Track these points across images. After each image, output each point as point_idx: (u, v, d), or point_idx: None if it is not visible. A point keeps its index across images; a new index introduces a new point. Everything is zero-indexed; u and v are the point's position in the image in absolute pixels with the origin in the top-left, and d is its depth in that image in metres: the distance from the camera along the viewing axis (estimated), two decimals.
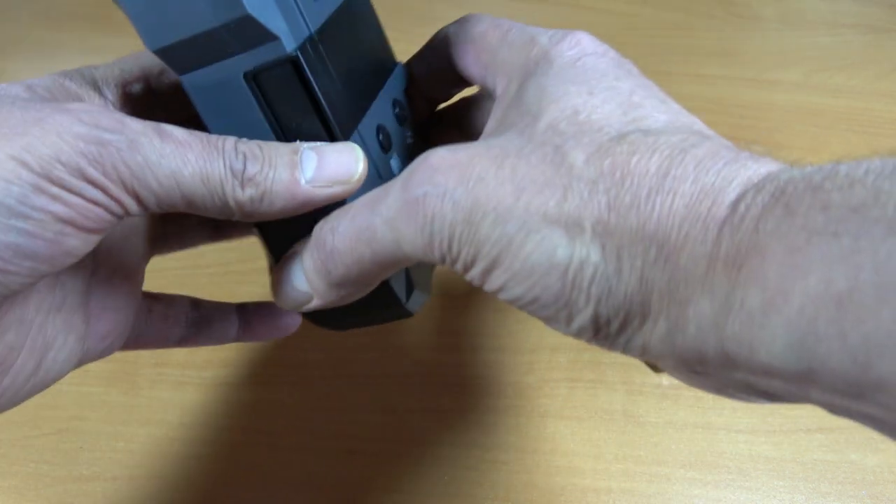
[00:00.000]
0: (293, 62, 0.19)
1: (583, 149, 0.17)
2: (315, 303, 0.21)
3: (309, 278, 0.21)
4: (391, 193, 0.18)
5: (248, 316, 0.27)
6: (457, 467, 0.34)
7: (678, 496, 0.33)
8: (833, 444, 0.34)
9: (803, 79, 0.53)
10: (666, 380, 0.37)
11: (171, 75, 0.23)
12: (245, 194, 0.19)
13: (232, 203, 0.19)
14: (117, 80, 0.22)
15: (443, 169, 0.18)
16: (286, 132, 0.21)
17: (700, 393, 0.36)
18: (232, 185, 0.19)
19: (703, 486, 0.33)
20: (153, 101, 0.23)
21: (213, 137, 0.19)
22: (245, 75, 0.20)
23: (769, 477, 0.34)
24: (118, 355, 0.37)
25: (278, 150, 0.20)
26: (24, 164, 0.16)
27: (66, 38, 0.51)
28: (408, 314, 0.25)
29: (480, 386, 0.36)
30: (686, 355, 0.16)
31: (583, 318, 0.17)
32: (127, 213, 0.18)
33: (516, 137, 0.19)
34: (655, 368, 0.40)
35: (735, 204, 0.15)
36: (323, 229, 0.20)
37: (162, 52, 0.19)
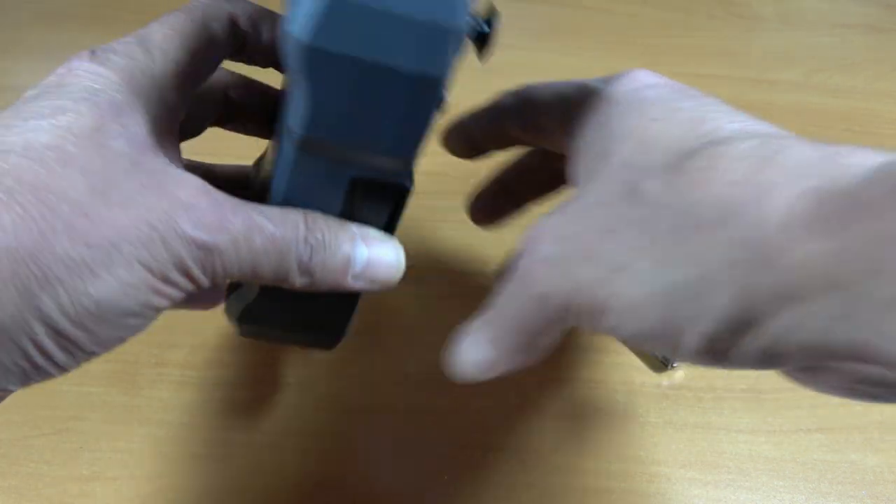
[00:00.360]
0: (404, 191, 0.22)
1: (656, 176, 0.17)
2: (491, 372, 0.22)
3: (485, 350, 0.22)
4: (513, 271, 0.20)
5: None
6: (457, 467, 0.34)
7: (678, 496, 0.33)
8: (833, 444, 0.34)
9: (803, 79, 0.53)
10: (666, 380, 0.37)
11: (213, 58, 0.23)
12: (301, 280, 0.21)
13: (285, 283, 0.21)
14: (176, 84, 0.22)
15: (539, 237, 0.19)
16: (351, 217, 0.22)
17: (700, 393, 0.36)
18: (294, 272, 0.21)
19: (703, 486, 0.33)
20: (200, 92, 0.24)
21: (290, 219, 0.20)
22: (351, 179, 0.21)
23: (769, 477, 0.34)
24: (119, 356, 0.37)
25: (338, 239, 0.21)
26: (149, 269, 0.18)
27: (66, 38, 0.51)
28: (330, 348, 0.27)
29: (480, 386, 0.36)
30: (812, 351, 0.15)
31: (692, 341, 0.16)
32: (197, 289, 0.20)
33: (594, 186, 0.19)
34: (656, 368, 0.40)
35: (849, 197, 0.14)
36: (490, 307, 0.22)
37: (304, 138, 0.19)
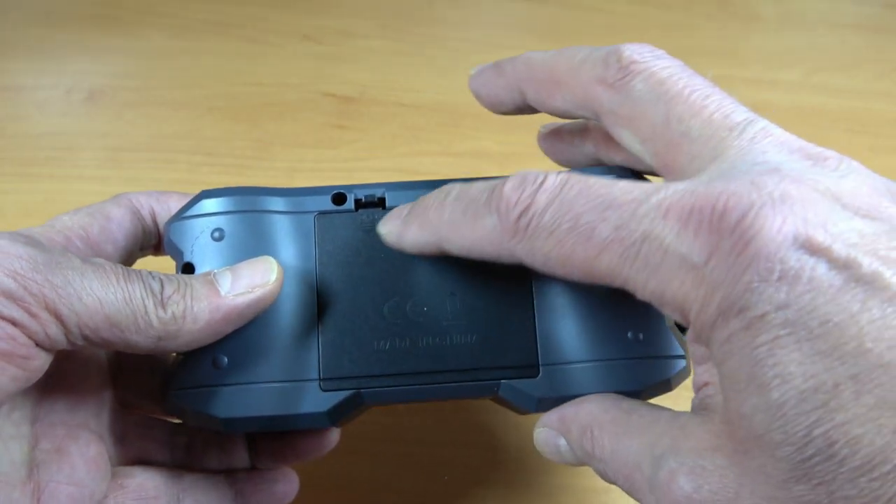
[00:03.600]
0: None
1: None
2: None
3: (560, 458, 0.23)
4: (645, 494, 0.19)
5: (239, 485, 0.26)
6: (457, 467, 0.34)
7: None
8: None
9: (803, 79, 0.53)
10: None
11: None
12: (167, 312, 0.19)
13: (156, 322, 0.19)
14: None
15: None
16: None
17: None
18: (153, 303, 0.19)
19: None
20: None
21: (128, 268, 0.20)
22: None
23: None
24: None
25: (192, 277, 0.21)
26: None
27: (66, 37, 0.51)
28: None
29: None
30: None
31: None
32: (49, 338, 0.18)
33: (776, 466, 0.16)
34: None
35: None
36: (588, 446, 0.22)
37: None
